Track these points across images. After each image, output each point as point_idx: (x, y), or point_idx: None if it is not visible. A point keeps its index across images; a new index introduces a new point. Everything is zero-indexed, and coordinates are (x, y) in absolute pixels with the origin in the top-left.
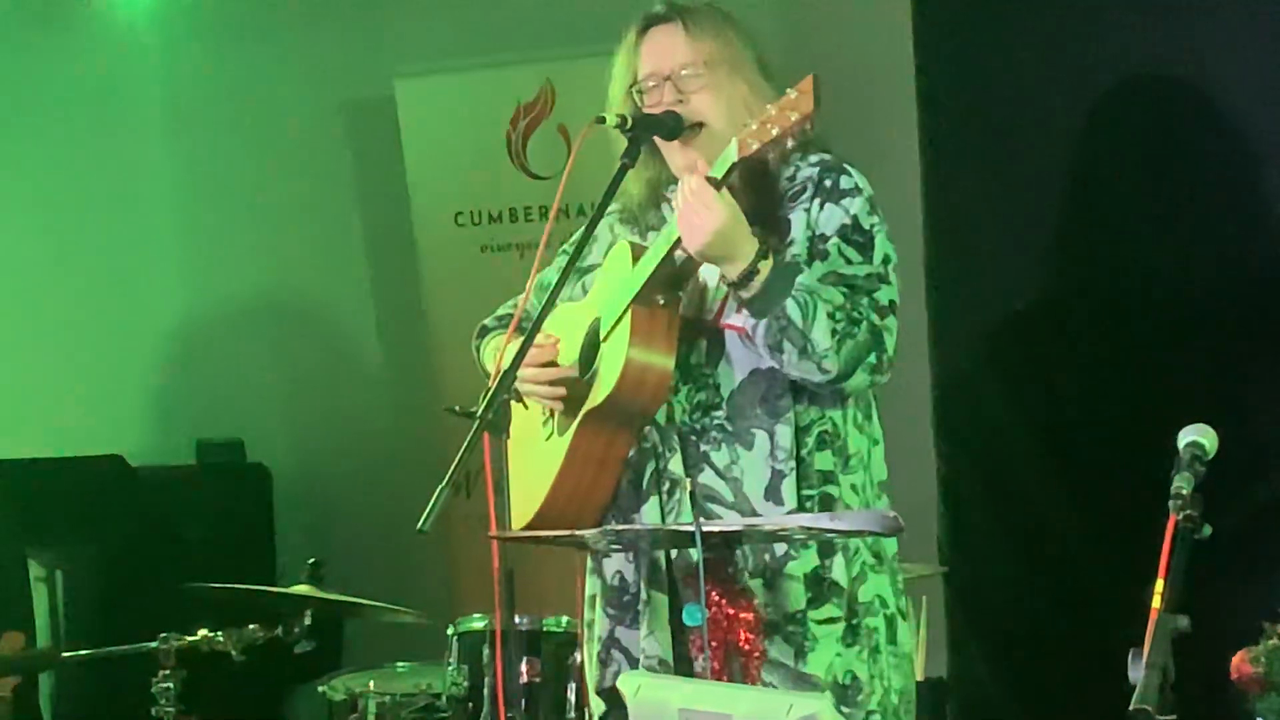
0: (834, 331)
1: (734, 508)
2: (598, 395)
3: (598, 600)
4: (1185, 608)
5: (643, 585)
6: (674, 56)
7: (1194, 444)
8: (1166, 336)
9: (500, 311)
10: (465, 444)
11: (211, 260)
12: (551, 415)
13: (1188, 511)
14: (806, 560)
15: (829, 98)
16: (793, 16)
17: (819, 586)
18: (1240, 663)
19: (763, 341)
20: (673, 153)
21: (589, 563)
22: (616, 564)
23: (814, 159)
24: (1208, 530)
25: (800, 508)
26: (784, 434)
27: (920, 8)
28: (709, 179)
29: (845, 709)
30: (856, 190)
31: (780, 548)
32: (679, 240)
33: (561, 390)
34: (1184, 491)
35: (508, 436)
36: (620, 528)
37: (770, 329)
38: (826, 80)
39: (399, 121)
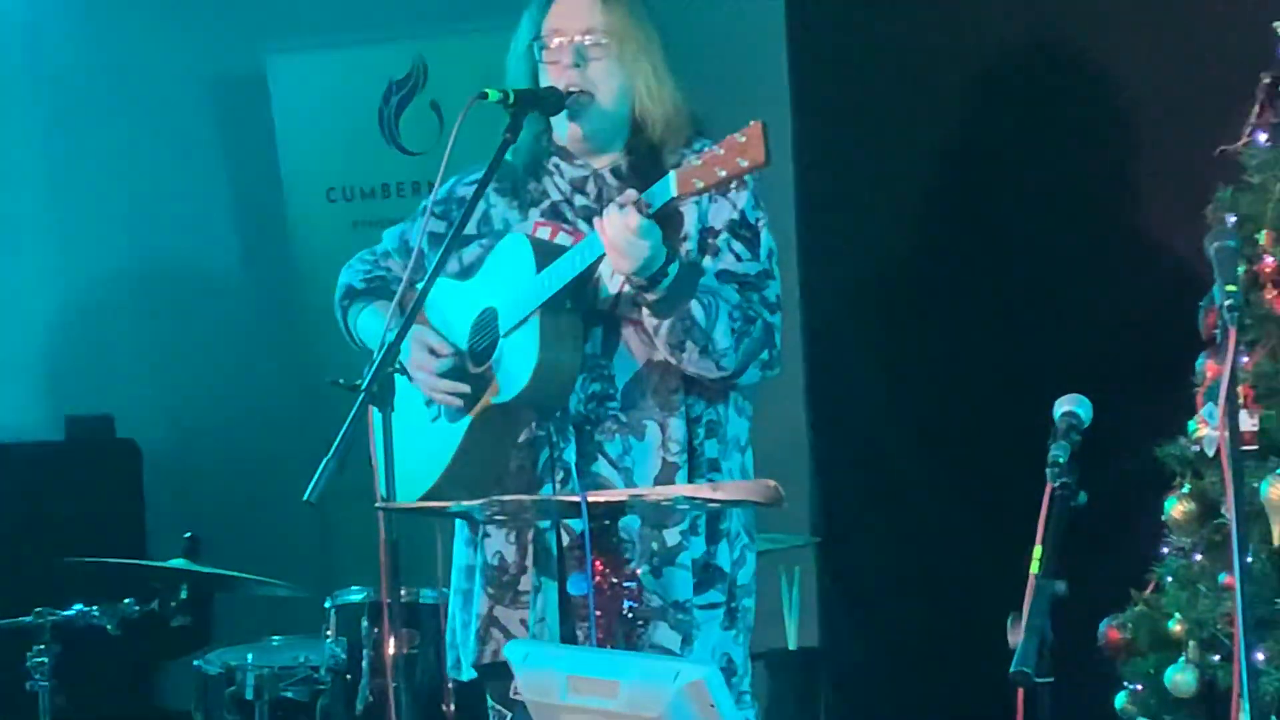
0: (733, 330)
1: None
2: (503, 393)
3: (475, 574)
4: (1062, 574)
5: (531, 570)
6: (583, 20)
7: (1070, 414)
8: (1040, 308)
9: (366, 271)
10: (349, 416)
11: (81, 236)
12: None
13: (1064, 479)
14: (696, 548)
15: (706, 78)
16: None
17: (705, 573)
18: (1109, 629)
19: (665, 341)
20: (559, 126)
21: (465, 534)
22: (497, 544)
23: (698, 147)
24: (1083, 498)
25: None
26: (676, 426)
27: None
28: (638, 205)
29: None
30: (742, 182)
31: (672, 537)
32: (601, 258)
33: (458, 401)
34: (1060, 460)
35: (391, 409)
36: (506, 498)
37: (674, 329)
38: (701, 58)
39: (270, 98)
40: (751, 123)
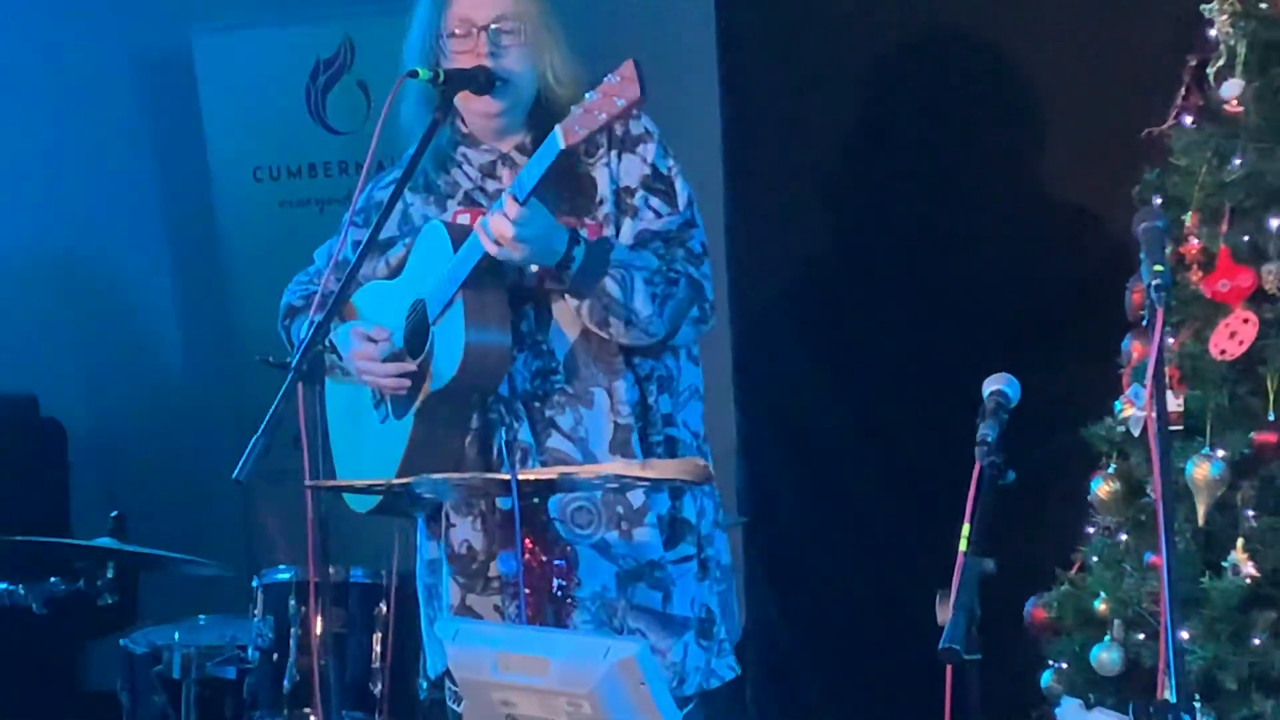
0: (654, 296)
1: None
2: (439, 379)
3: (441, 566)
4: (990, 552)
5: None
6: (490, 8)
7: (998, 393)
8: (968, 288)
9: (302, 290)
10: (279, 394)
11: (3, 214)
12: (384, 398)
13: (992, 458)
14: (660, 504)
15: (632, 48)
16: None
17: (674, 527)
18: (1034, 609)
19: (589, 319)
20: (469, 101)
21: (426, 527)
22: (464, 532)
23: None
24: (1011, 476)
25: (651, 454)
26: (622, 389)
27: None
28: (513, 197)
29: (704, 641)
30: (647, 134)
31: (637, 497)
32: None
33: (405, 382)
34: (989, 439)
35: (321, 387)
36: (437, 476)
37: (594, 308)
38: (630, 39)
39: (197, 76)
40: (623, 62)
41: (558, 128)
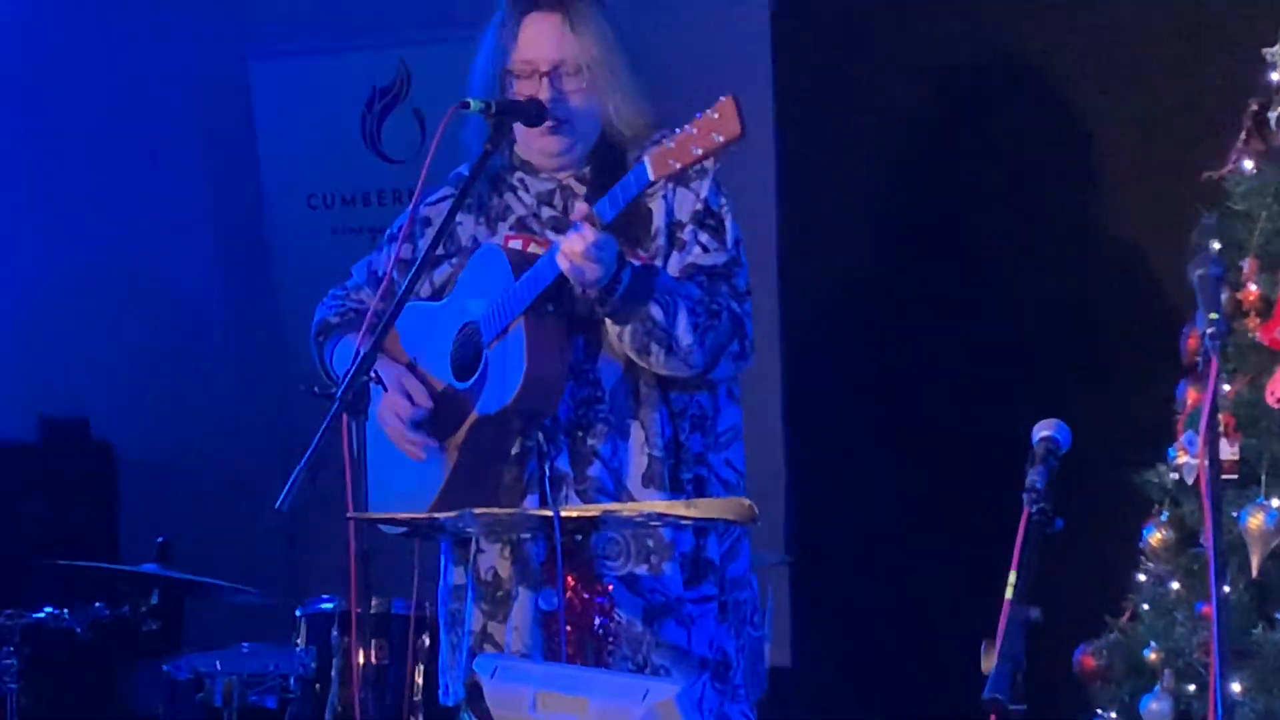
0: (696, 326)
1: (615, 498)
2: (492, 404)
3: (466, 592)
4: (1036, 599)
5: (515, 582)
6: (554, 50)
7: (1048, 439)
8: (1023, 330)
9: (339, 306)
10: (324, 425)
11: (60, 236)
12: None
13: (1041, 505)
14: (684, 540)
15: (688, 81)
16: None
17: (695, 567)
18: (1084, 656)
19: (630, 346)
20: (531, 139)
21: (452, 551)
22: (491, 559)
23: (656, 138)
24: (1059, 524)
25: (679, 491)
26: (656, 421)
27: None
28: (590, 219)
29: (718, 684)
30: (703, 170)
31: (667, 532)
32: None
33: (421, 455)
34: (1037, 485)
35: (365, 418)
36: (479, 510)
37: (636, 334)
38: (682, 66)
39: (253, 103)
40: (722, 98)
41: (646, 159)
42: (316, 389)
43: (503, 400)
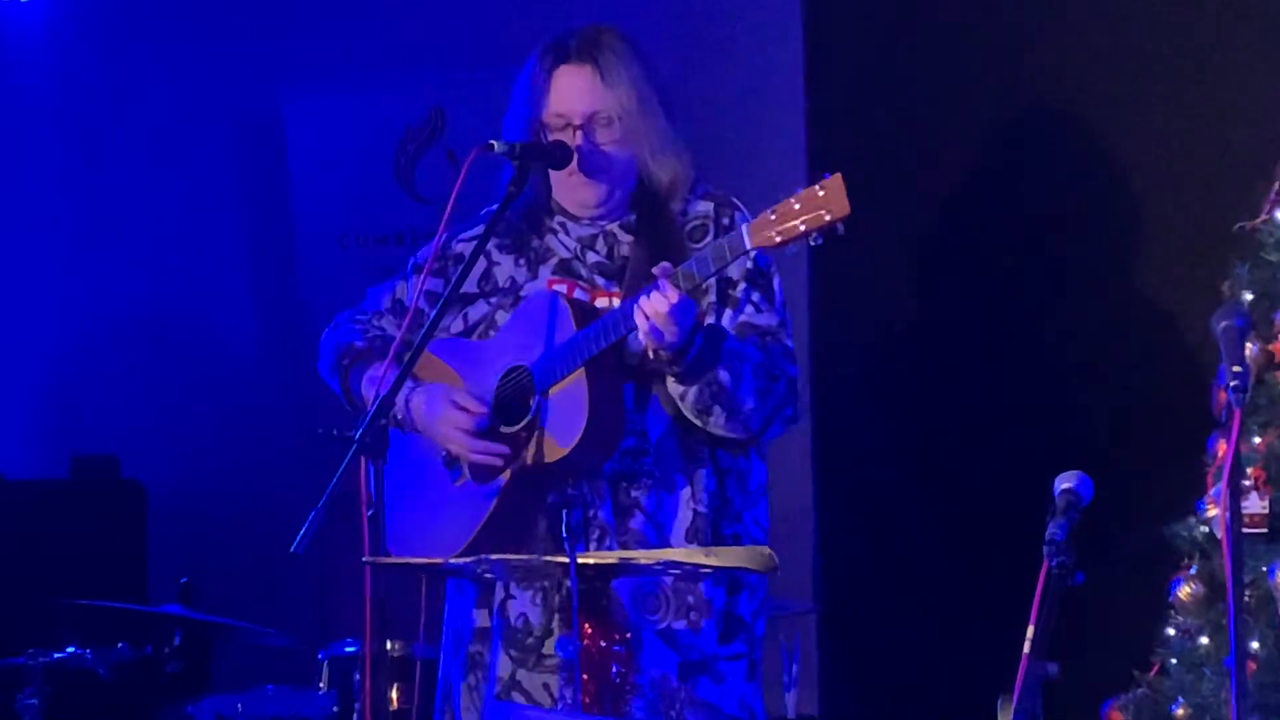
0: (757, 390)
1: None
2: (547, 453)
3: (491, 636)
4: (1062, 653)
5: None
6: (586, 102)
7: (1069, 491)
8: (1052, 381)
9: (363, 330)
10: (341, 467)
11: (91, 274)
12: (457, 459)
13: (1061, 558)
14: (717, 598)
15: (722, 127)
16: (683, 42)
17: (728, 623)
18: (1111, 711)
19: (692, 406)
20: (569, 190)
21: (473, 595)
22: (522, 605)
23: (701, 191)
24: (1080, 577)
25: (721, 545)
26: (704, 477)
27: (812, 38)
28: (674, 280)
29: None
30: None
31: (706, 589)
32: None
33: (498, 462)
34: (1057, 538)
35: (384, 461)
36: (496, 557)
37: (701, 395)
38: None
39: (286, 141)
40: (828, 175)
41: (745, 227)
42: (335, 431)
43: (558, 450)
